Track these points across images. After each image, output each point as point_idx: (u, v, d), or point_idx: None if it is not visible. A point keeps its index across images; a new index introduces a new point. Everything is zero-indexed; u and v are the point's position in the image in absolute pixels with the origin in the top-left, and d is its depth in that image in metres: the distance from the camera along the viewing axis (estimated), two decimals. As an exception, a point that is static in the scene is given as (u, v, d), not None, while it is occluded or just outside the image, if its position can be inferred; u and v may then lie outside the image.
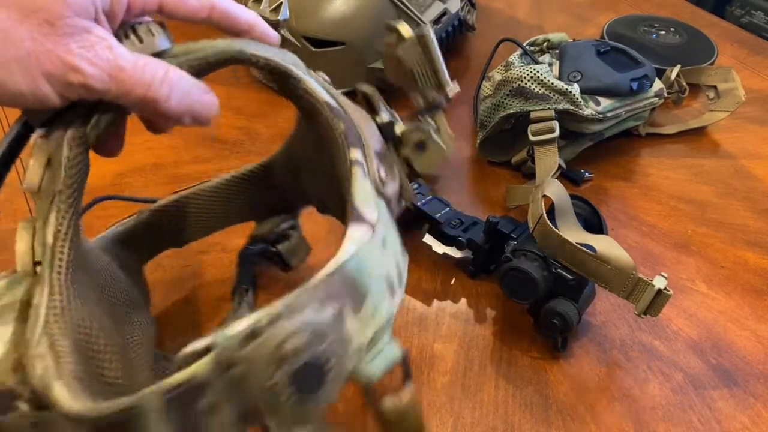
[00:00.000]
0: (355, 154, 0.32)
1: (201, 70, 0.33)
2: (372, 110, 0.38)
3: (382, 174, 0.34)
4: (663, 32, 0.83)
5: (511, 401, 0.45)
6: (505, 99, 0.61)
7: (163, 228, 0.45)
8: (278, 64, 0.34)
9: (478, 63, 0.79)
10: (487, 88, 0.64)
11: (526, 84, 0.59)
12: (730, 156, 0.68)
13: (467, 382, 0.46)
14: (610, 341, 0.49)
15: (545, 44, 0.67)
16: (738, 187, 0.64)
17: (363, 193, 0.31)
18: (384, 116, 0.37)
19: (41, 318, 0.28)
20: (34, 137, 0.32)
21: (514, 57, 0.64)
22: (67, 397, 0.26)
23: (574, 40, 0.67)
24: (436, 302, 0.52)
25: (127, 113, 0.33)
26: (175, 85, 0.30)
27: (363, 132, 0.34)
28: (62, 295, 0.29)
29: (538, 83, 0.59)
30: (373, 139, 0.35)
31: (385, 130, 0.36)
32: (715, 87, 0.72)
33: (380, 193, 0.33)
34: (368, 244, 0.29)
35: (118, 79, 0.29)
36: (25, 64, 0.27)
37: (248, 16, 0.34)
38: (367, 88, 0.38)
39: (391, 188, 0.34)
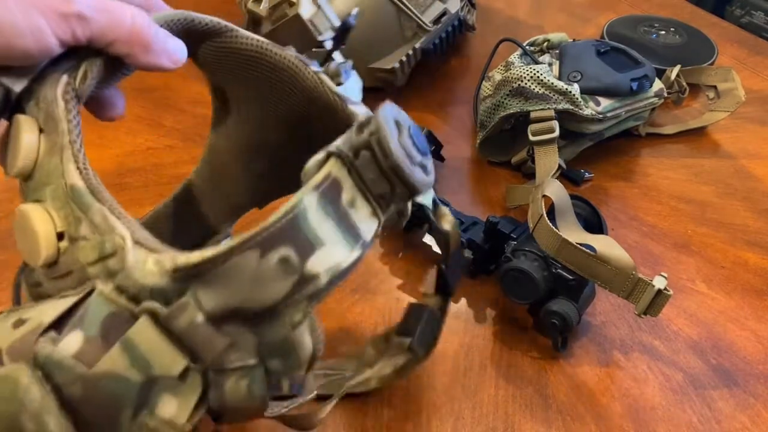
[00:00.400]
0: (313, 66, 0.35)
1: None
2: None
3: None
4: (663, 32, 0.83)
5: (511, 401, 0.45)
6: (505, 99, 0.61)
7: None
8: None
9: (478, 63, 0.79)
10: (487, 88, 0.64)
11: (526, 84, 0.59)
12: (730, 156, 0.68)
13: (467, 382, 0.46)
14: (610, 341, 0.49)
15: (545, 44, 0.67)
16: (738, 187, 0.64)
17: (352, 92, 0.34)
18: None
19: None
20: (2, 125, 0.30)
21: (514, 57, 0.64)
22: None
23: (574, 40, 0.67)
24: (436, 302, 0.51)
25: (112, 67, 0.32)
26: (151, 25, 0.31)
27: None
28: None
29: (538, 83, 0.59)
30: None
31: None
32: (715, 87, 0.72)
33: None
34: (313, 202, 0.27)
35: (107, 11, 0.29)
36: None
37: None
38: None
39: None
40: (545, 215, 0.46)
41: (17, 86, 0.29)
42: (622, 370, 0.47)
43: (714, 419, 0.44)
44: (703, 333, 0.50)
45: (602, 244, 0.45)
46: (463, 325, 0.50)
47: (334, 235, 0.26)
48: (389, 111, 0.27)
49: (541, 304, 0.46)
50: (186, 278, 0.25)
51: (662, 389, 0.46)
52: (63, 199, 0.27)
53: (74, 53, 0.30)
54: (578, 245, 0.44)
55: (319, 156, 0.27)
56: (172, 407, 0.26)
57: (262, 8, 0.67)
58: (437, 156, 0.63)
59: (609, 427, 0.44)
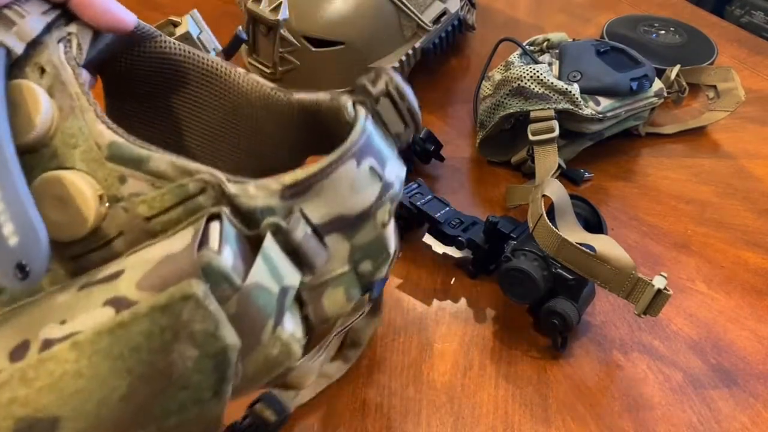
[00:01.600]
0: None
1: None
2: None
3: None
4: (663, 32, 0.83)
5: (511, 401, 0.45)
6: (505, 99, 0.61)
7: None
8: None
9: (478, 63, 0.79)
10: (486, 87, 0.64)
11: (526, 84, 0.59)
12: (730, 156, 0.68)
13: (467, 382, 0.46)
14: (610, 341, 0.49)
15: (545, 44, 0.67)
16: (738, 187, 0.64)
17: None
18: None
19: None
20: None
21: (514, 57, 0.64)
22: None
23: (574, 39, 0.67)
24: (436, 302, 0.51)
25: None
26: None
27: None
28: None
29: (538, 83, 0.59)
30: None
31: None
32: (715, 87, 0.72)
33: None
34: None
35: None
36: None
37: None
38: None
39: None
40: (545, 215, 0.46)
41: (18, 48, 0.27)
42: (622, 370, 0.47)
43: (714, 419, 0.44)
44: (703, 333, 0.50)
45: (602, 244, 0.45)
46: (463, 325, 0.50)
47: (390, 153, 0.30)
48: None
49: (541, 304, 0.46)
50: (294, 195, 0.26)
51: (662, 389, 0.46)
52: (98, 161, 0.27)
53: (60, 21, 0.29)
54: (578, 245, 0.44)
55: (348, 104, 0.30)
56: (291, 322, 0.27)
57: (262, 8, 0.67)
58: (437, 156, 0.63)
59: (609, 427, 0.44)
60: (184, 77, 0.38)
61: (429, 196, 0.55)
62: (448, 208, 0.54)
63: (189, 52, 0.37)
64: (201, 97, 0.38)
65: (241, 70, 0.37)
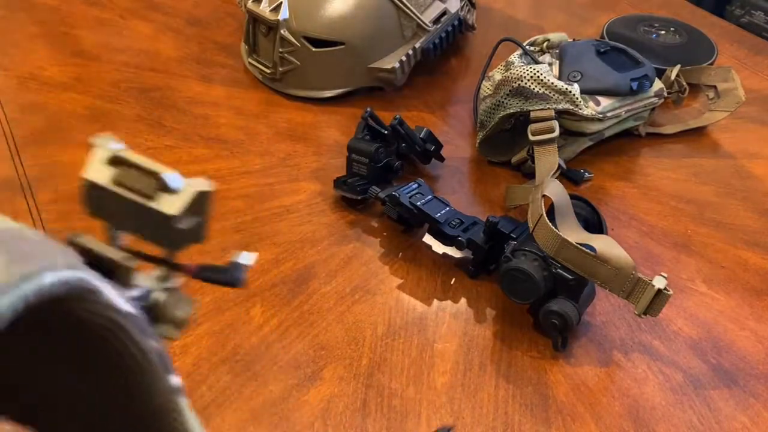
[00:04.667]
0: (175, 379, 0.24)
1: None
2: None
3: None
4: (663, 32, 0.83)
5: (511, 401, 0.45)
6: (505, 99, 0.61)
7: None
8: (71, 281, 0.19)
9: (478, 63, 0.79)
10: (487, 87, 0.64)
11: (526, 84, 0.59)
12: (730, 156, 0.68)
13: (467, 382, 0.46)
14: (610, 341, 0.49)
15: (545, 44, 0.67)
16: (738, 187, 0.64)
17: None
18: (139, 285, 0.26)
19: None
20: None
21: (514, 57, 0.64)
22: None
23: (574, 39, 0.67)
24: (436, 302, 0.52)
25: None
26: None
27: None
28: None
29: (538, 83, 0.59)
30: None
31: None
32: (715, 87, 0.72)
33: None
34: None
35: None
36: None
37: None
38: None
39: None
40: (545, 215, 0.46)
41: None
42: (622, 370, 0.47)
43: (714, 419, 0.44)
44: (703, 333, 0.50)
45: (602, 244, 0.45)
46: (463, 325, 0.50)
47: None
48: None
49: (541, 304, 0.46)
50: None
51: (662, 389, 0.46)
52: None
53: None
54: (578, 245, 0.44)
55: None
56: None
57: (262, 8, 0.67)
58: (437, 156, 0.63)
59: (609, 427, 0.44)
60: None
61: (429, 196, 0.55)
62: (448, 208, 0.54)
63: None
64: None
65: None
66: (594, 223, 0.52)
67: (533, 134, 0.59)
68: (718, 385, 0.47)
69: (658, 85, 0.64)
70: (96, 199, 0.26)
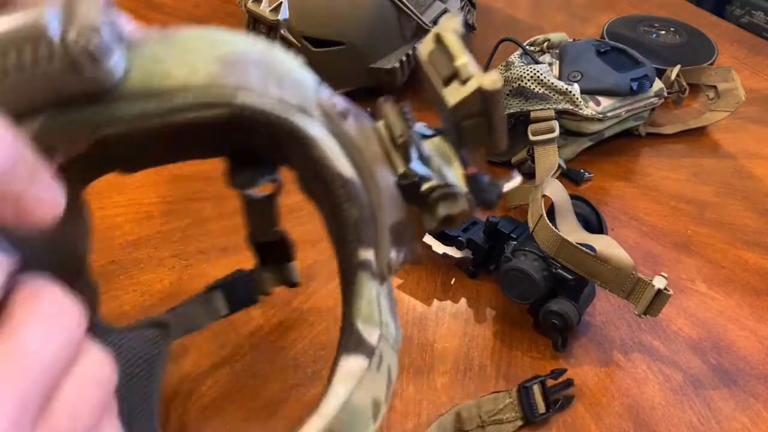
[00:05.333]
0: (365, 254, 0.25)
1: (161, 134, 0.22)
2: (389, 149, 0.27)
3: (393, 257, 0.27)
4: (663, 32, 0.83)
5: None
6: (505, 99, 0.61)
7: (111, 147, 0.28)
8: (286, 121, 0.24)
9: (478, 63, 0.79)
10: (487, 88, 0.64)
11: (526, 84, 0.59)
12: (730, 156, 0.68)
13: (467, 382, 0.46)
14: (610, 341, 0.49)
15: (545, 44, 0.67)
16: (738, 187, 0.64)
17: (367, 308, 0.26)
18: (413, 168, 0.26)
19: None
20: None
21: (514, 57, 0.64)
22: None
23: (574, 39, 0.67)
24: (436, 302, 0.51)
25: None
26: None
27: (379, 208, 0.26)
28: None
29: (538, 83, 0.59)
30: (389, 207, 0.26)
31: (408, 190, 0.26)
32: (715, 87, 0.72)
33: (385, 279, 0.27)
34: (363, 379, 0.25)
35: None
36: None
37: None
38: (390, 111, 0.27)
39: (399, 262, 0.28)
40: (545, 215, 0.46)
41: None
42: (622, 370, 0.47)
43: (714, 419, 0.44)
44: (703, 333, 0.50)
45: (602, 244, 0.45)
46: (463, 325, 0.50)
47: None
48: None
49: (541, 304, 0.46)
50: None
51: (662, 389, 0.46)
52: None
53: None
54: (578, 245, 0.44)
55: None
56: None
57: (263, 8, 0.67)
58: (437, 156, 0.62)
59: (609, 427, 0.44)
60: None
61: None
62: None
63: None
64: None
65: None
66: (594, 223, 0.52)
67: (533, 134, 0.59)
68: (718, 385, 0.47)
69: (658, 85, 0.64)
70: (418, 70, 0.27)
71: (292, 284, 0.47)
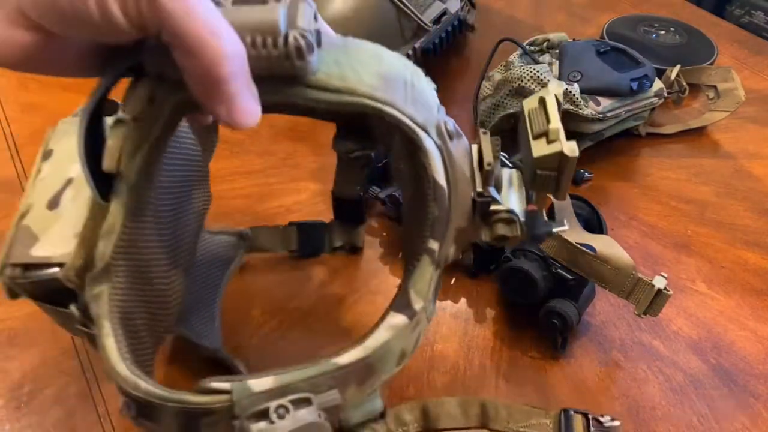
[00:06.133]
0: (432, 244, 0.32)
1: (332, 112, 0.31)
2: (475, 169, 0.33)
3: (451, 252, 0.33)
4: (663, 32, 0.83)
5: (511, 401, 0.45)
6: (505, 99, 0.61)
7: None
8: (413, 133, 0.30)
9: (478, 63, 0.79)
10: (487, 87, 0.64)
11: (526, 84, 0.59)
12: (730, 156, 0.68)
13: (467, 382, 0.46)
14: (610, 341, 0.49)
15: (545, 44, 0.67)
16: (738, 187, 0.64)
17: (421, 283, 0.32)
18: (489, 190, 0.33)
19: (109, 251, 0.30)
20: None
21: (514, 57, 0.64)
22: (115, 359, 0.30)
23: (574, 39, 0.67)
24: (436, 302, 0.51)
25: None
26: (239, 71, 0.25)
27: (454, 213, 0.32)
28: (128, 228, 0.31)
29: (538, 83, 0.59)
30: (461, 213, 0.32)
31: (480, 207, 0.33)
32: (715, 87, 0.71)
33: (440, 267, 0.33)
34: (401, 332, 0.31)
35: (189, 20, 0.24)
36: None
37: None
38: (484, 140, 0.34)
39: (451, 257, 0.34)
40: (545, 215, 0.46)
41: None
42: (622, 370, 0.47)
43: (714, 419, 0.44)
44: (703, 333, 0.50)
45: (602, 244, 0.45)
46: (463, 325, 0.50)
47: None
48: None
49: (541, 304, 0.46)
50: None
51: (662, 389, 0.46)
52: None
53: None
54: (578, 245, 0.44)
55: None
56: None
57: (262, 8, 0.67)
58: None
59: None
60: None
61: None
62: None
63: None
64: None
65: None
66: (594, 223, 0.51)
67: (533, 134, 0.59)
68: (718, 385, 0.47)
69: (658, 85, 0.64)
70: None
71: (355, 249, 0.54)
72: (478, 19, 0.83)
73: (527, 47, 0.65)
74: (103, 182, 0.30)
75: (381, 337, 0.31)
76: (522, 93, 0.60)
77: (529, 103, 0.34)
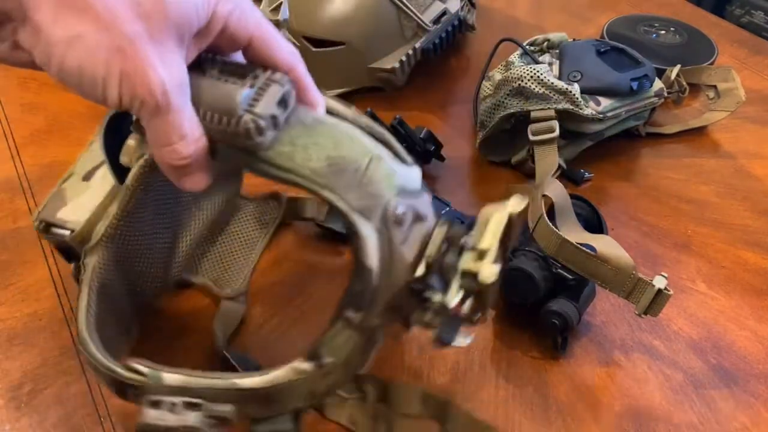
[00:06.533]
0: (350, 313, 0.34)
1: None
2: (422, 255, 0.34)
3: (382, 321, 0.34)
4: (663, 32, 0.83)
5: (511, 401, 0.45)
6: (505, 99, 0.61)
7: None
8: (347, 216, 0.32)
9: (478, 63, 0.79)
10: (487, 87, 0.64)
11: (526, 84, 0.59)
12: (730, 156, 0.68)
13: (467, 382, 0.46)
14: (610, 341, 0.49)
15: (545, 44, 0.67)
16: (738, 187, 0.64)
17: (334, 343, 0.34)
18: (427, 281, 0.33)
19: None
20: None
21: (514, 57, 0.64)
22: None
23: (574, 39, 0.67)
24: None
25: None
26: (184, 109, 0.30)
27: (384, 291, 0.33)
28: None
29: (538, 83, 0.59)
30: (391, 292, 0.33)
31: (413, 291, 0.33)
32: (715, 87, 0.71)
33: (364, 332, 0.34)
34: (308, 376, 0.34)
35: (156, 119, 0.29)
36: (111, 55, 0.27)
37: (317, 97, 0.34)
38: (438, 234, 0.34)
39: (384, 324, 0.35)
40: (545, 215, 0.46)
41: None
42: (622, 370, 0.47)
43: (714, 419, 0.44)
44: (703, 333, 0.50)
45: (602, 244, 0.45)
46: (463, 325, 0.50)
47: None
48: None
49: (541, 304, 0.46)
50: None
51: (662, 389, 0.46)
52: None
53: None
54: (578, 245, 0.44)
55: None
56: None
57: (262, 8, 0.67)
58: (437, 156, 0.63)
59: (609, 427, 0.44)
60: None
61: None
62: (448, 208, 0.54)
63: None
64: None
65: None
66: (594, 223, 0.51)
67: (533, 134, 0.59)
68: (718, 385, 0.47)
69: (658, 85, 0.64)
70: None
71: None
72: (478, 19, 0.83)
73: (527, 47, 0.65)
74: (122, 170, 0.36)
75: (283, 376, 0.34)
76: (522, 93, 0.60)
77: (488, 212, 0.35)
